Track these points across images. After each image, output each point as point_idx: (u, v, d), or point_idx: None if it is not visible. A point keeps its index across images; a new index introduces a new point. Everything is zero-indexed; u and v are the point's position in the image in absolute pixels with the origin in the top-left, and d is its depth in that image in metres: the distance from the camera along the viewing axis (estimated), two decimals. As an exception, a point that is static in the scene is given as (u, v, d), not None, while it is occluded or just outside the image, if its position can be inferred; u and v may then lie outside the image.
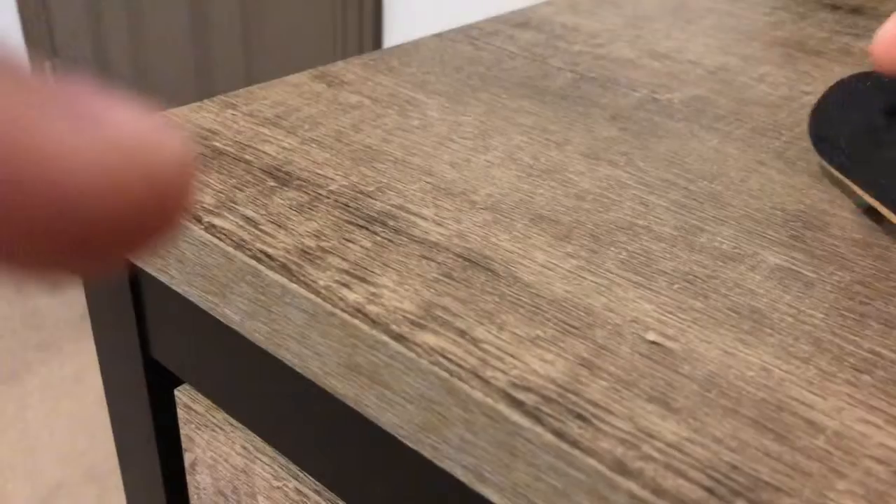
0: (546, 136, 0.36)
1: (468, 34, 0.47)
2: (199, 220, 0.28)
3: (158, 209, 0.10)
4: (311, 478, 0.32)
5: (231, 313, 0.28)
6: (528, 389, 0.22)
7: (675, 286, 0.26)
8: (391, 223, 0.29)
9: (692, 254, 0.28)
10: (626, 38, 0.48)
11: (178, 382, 0.36)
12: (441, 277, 0.26)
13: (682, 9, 0.54)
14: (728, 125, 0.38)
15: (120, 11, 1.40)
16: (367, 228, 0.29)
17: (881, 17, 0.54)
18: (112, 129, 0.09)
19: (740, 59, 0.46)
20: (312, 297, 0.25)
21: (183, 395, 0.35)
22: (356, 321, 0.24)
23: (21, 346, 1.55)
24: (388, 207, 0.30)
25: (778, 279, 0.27)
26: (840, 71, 0.45)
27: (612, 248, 0.28)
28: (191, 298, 0.30)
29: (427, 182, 0.32)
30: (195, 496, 0.37)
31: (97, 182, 0.09)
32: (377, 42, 1.09)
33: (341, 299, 0.25)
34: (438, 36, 0.47)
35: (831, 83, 0.43)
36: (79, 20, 1.48)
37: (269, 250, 0.27)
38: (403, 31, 1.07)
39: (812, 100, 0.41)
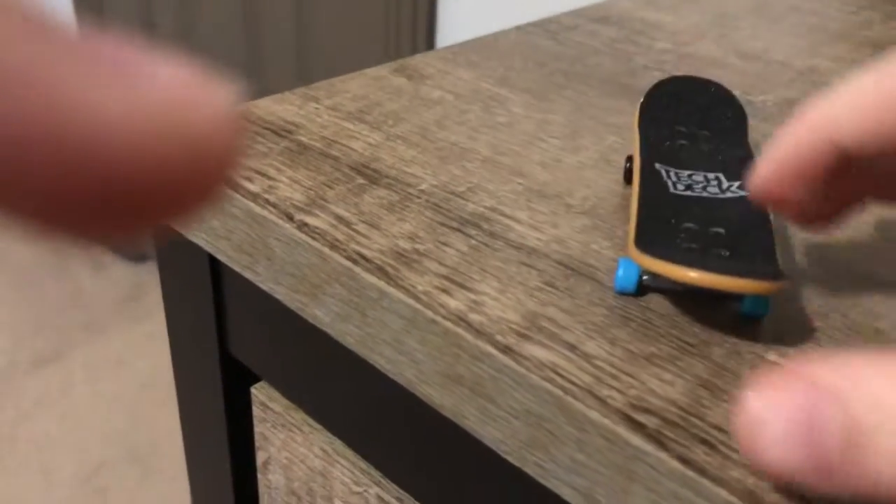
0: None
1: (547, 28, 0.46)
2: (290, 218, 0.27)
3: (198, 176, 0.09)
4: (393, 485, 0.31)
5: (321, 314, 0.27)
6: (647, 411, 0.21)
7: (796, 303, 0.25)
8: (485, 226, 0.28)
9: (808, 263, 0.27)
10: (711, 36, 0.46)
11: (253, 379, 0.35)
12: (543, 286, 0.25)
13: (765, 7, 0.52)
14: (826, 130, 0.36)
15: (170, 3, 1.41)
16: (461, 231, 0.28)
17: (975, 19, 0.52)
18: (153, 90, 0.09)
19: (830, 61, 0.44)
20: (412, 302, 0.24)
21: (259, 393, 0.34)
22: (459, 330, 0.23)
23: (66, 325, 1.57)
24: (481, 209, 0.29)
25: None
26: (938, 75, 0.43)
27: (720, 260, 0.27)
28: (277, 297, 0.29)
29: (519, 183, 0.31)
30: (266, 495, 0.37)
31: (134, 144, 0.09)
32: (430, 42, 1.08)
33: (442, 306, 0.24)
34: (517, 29, 0.45)
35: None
36: (129, 17, 1.49)
37: (365, 251, 0.26)
38: (456, 30, 1.06)
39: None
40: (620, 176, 0.31)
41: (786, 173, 0.22)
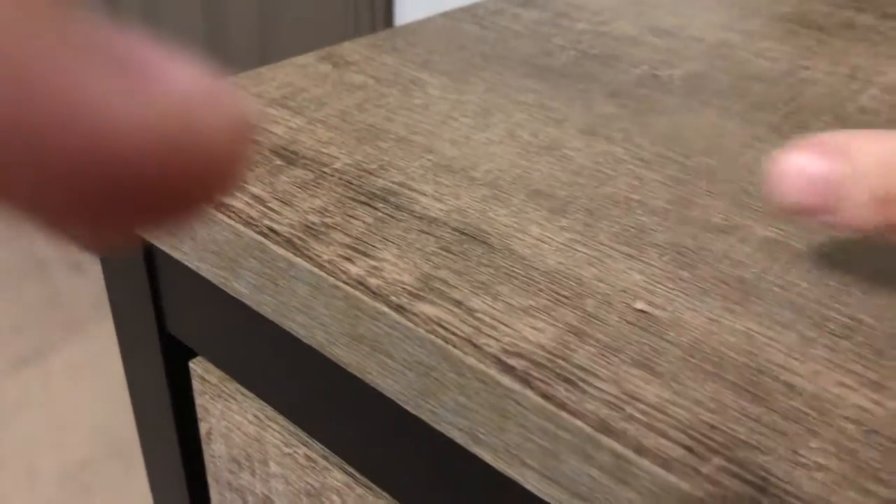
0: (546, 113, 0.37)
1: (474, 13, 0.48)
2: (208, 199, 0.30)
3: (203, 180, 0.09)
4: (319, 444, 0.33)
5: (240, 287, 0.30)
6: (518, 355, 0.23)
7: (665, 258, 0.27)
8: (392, 199, 0.30)
9: (683, 226, 0.29)
10: (630, 15, 0.49)
11: (192, 355, 0.37)
12: (439, 251, 0.27)
13: (686, -15, 0.54)
14: (727, 100, 0.39)
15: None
16: (369, 205, 0.30)
17: (887, -10, 0.54)
18: (165, 89, 0.09)
19: (742, 35, 0.46)
20: (316, 270, 0.26)
21: (197, 367, 0.36)
22: (358, 293, 0.26)
23: (45, 325, 1.58)
24: (390, 185, 0.31)
25: (767, 251, 0.28)
26: (841, 45, 0.45)
27: (606, 222, 0.29)
28: (202, 273, 0.31)
29: (428, 160, 0.33)
30: (211, 464, 0.39)
31: (143, 142, 0.09)
32: (388, 22, 1.10)
33: (344, 272, 0.26)
34: (444, 15, 0.47)
35: (832, 57, 0.43)
36: None
37: (276, 226, 0.28)
38: (415, 11, 1.08)
39: (811, 75, 0.42)
40: (522, 150, 0.34)
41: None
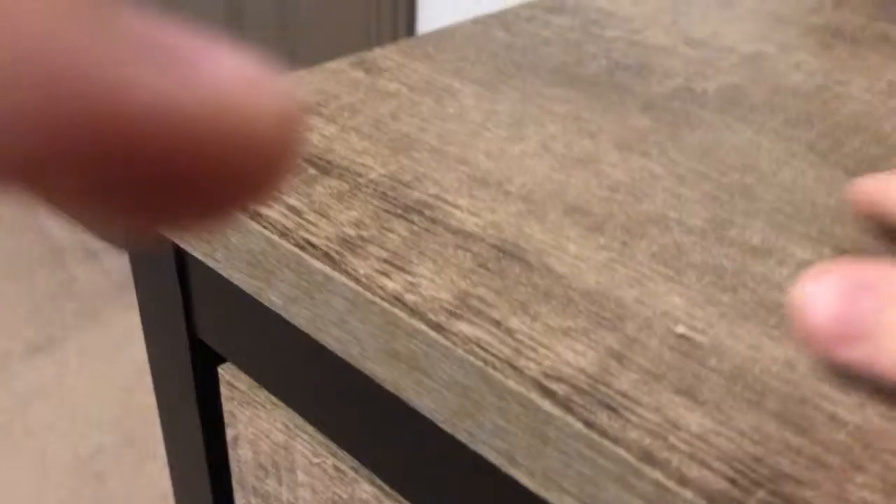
0: (579, 125, 0.36)
1: (503, 20, 0.48)
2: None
3: (254, 169, 0.09)
4: (348, 455, 0.33)
5: (275, 298, 0.29)
6: (559, 380, 0.23)
7: (705, 279, 0.27)
8: (428, 213, 0.30)
9: (722, 247, 0.29)
10: (662, 23, 0.48)
11: (221, 360, 0.37)
12: (476, 268, 0.27)
13: (718, -7, 0.54)
14: (762, 116, 0.38)
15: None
16: (404, 218, 0.30)
17: (921, 2, 0.54)
18: (209, 79, 0.09)
19: (776, 47, 0.46)
20: (353, 285, 0.26)
21: (226, 373, 0.36)
22: (395, 310, 0.25)
23: (59, 314, 1.59)
24: (425, 197, 0.31)
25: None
26: (877, 60, 0.45)
27: (644, 241, 0.29)
28: (235, 282, 0.31)
29: (463, 172, 0.33)
30: (236, 469, 0.39)
31: (188, 132, 0.08)
32: (410, 28, 1.10)
33: (381, 288, 0.26)
34: (474, 21, 0.47)
35: (867, 72, 0.43)
36: None
37: (312, 238, 0.28)
38: (437, 17, 1.08)
39: (847, 90, 0.41)
40: (557, 163, 0.33)
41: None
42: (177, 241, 0.33)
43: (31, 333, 1.54)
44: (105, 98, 0.08)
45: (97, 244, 1.77)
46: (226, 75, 0.09)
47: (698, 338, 0.25)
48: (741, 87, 0.41)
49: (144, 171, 0.08)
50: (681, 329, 0.25)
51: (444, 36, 0.45)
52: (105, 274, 1.69)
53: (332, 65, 0.41)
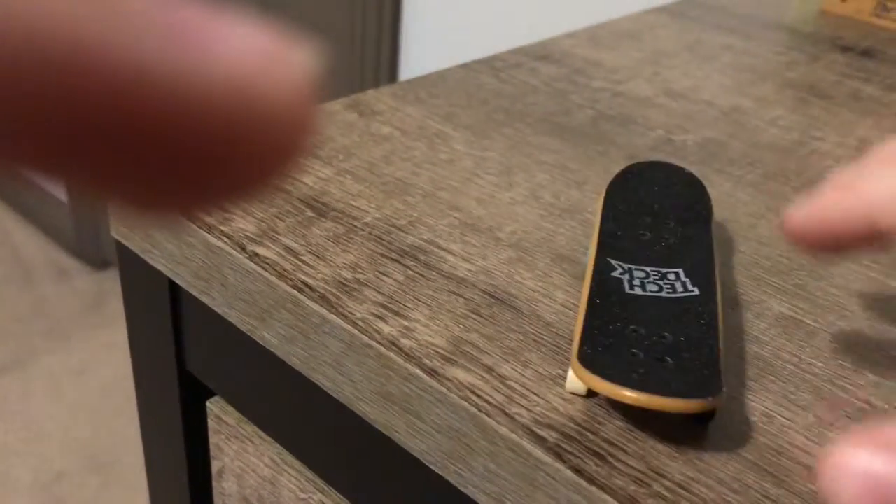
0: (566, 174, 0.38)
1: (492, 66, 0.49)
2: (242, 249, 0.30)
3: (268, 147, 0.09)
4: (336, 492, 0.34)
5: (270, 337, 0.30)
6: (549, 427, 0.24)
7: (687, 331, 0.28)
8: (422, 257, 0.31)
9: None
10: (645, 75, 0.50)
11: (209, 394, 0.38)
12: (469, 313, 0.28)
13: (698, 45, 0.56)
14: (740, 169, 0.40)
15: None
16: (399, 262, 0.31)
17: (889, 62, 0.56)
18: (221, 53, 0.08)
19: (754, 101, 0.48)
20: (349, 328, 0.27)
21: (214, 407, 0.37)
22: (391, 354, 0.26)
23: (27, 333, 1.57)
24: (419, 242, 0.32)
25: (782, 327, 0.29)
26: (849, 116, 0.47)
27: (629, 291, 0.30)
28: (230, 320, 0.32)
29: (455, 217, 0.34)
30: (220, 501, 0.39)
31: (201, 108, 0.08)
32: (393, 74, 1.11)
33: (377, 332, 0.27)
34: (464, 67, 0.49)
35: (840, 129, 0.45)
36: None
37: (310, 281, 0.29)
38: (419, 63, 1.10)
39: (821, 146, 0.43)
40: (546, 212, 0.35)
41: (818, 230, 0.25)
42: (171, 276, 0.33)
43: (-2, 353, 1.52)
44: (114, 75, 0.08)
45: (68, 263, 1.75)
46: (237, 48, 0.08)
47: (681, 388, 0.26)
48: (720, 140, 0.43)
49: (157, 149, 0.08)
50: (664, 379, 0.26)
51: (434, 81, 0.46)
52: (75, 294, 1.68)
53: (327, 106, 0.42)
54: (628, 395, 0.22)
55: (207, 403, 0.37)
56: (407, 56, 1.10)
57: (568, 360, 0.26)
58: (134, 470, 1.33)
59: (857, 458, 0.17)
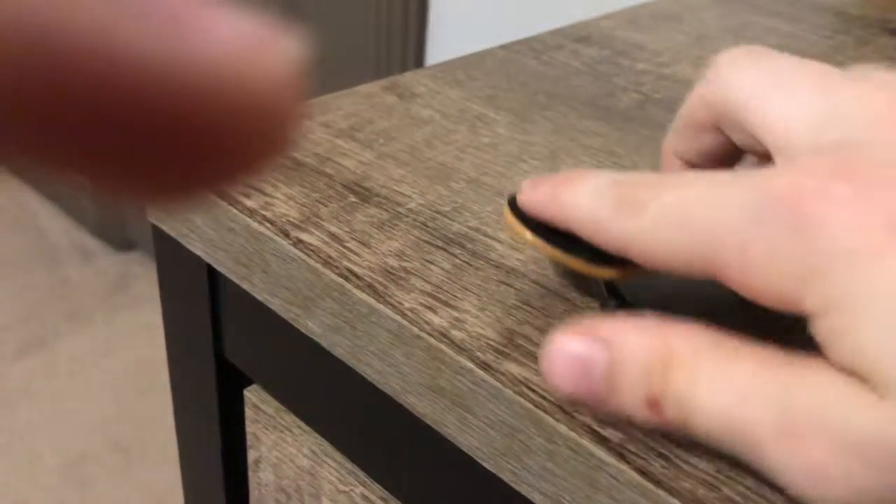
0: (613, 159, 0.37)
1: (532, 47, 0.48)
2: (286, 235, 0.29)
3: (252, 135, 0.09)
4: (377, 485, 0.33)
5: (313, 326, 0.29)
6: (611, 425, 0.23)
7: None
8: (469, 245, 0.30)
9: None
10: (690, 58, 0.49)
11: (246, 382, 0.37)
12: (520, 304, 0.27)
13: (743, 29, 0.54)
14: (792, 156, 0.38)
15: None
16: (445, 250, 0.30)
17: (942, 46, 0.54)
18: (205, 40, 0.08)
19: (802, 85, 0.46)
20: (398, 318, 0.26)
21: (252, 396, 0.36)
22: (442, 346, 0.25)
23: (51, 314, 1.57)
24: (465, 229, 0.31)
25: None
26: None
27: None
28: (271, 307, 0.31)
29: (501, 204, 0.33)
30: (256, 491, 0.38)
31: (181, 98, 0.08)
32: (419, 58, 1.10)
33: (427, 323, 0.26)
34: (503, 48, 0.47)
35: None
36: None
37: (356, 269, 0.28)
38: (444, 49, 1.08)
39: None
40: (596, 199, 0.33)
41: (685, 147, 0.28)
42: (211, 262, 0.32)
43: (22, 334, 1.53)
44: (96, 60, 0.08)
45: (92, 245, 1.76)
46: (222, 35, 0.08)
47: (745, 385, 0.25)
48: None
49: (138, 137, 0.08)
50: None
51: (473, 62, 0.45)
52: (99, 275, 1.68)
53: (364, 88, 0.41)
54: (529, 238, 0.24)
55: (245, 392, 0.36)
56: (434, 36, 1.09)
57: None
58: (156, 450, 1.33)
59: (564, 343, 0.21)
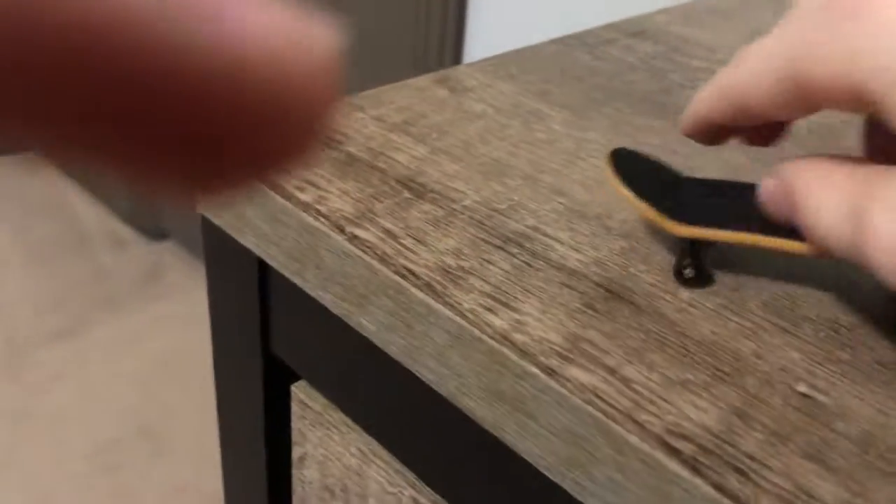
0: (674, 158, 0.35)
1: (585, 41, 0.47)
2: (341, 230, 0.29)
3: (287, 127, 0.09)
4: (428, 488, 0.32)
5: (367, 323, 0.29)
6: (684, 437, 0.22)
7: (821, 335, 0.26)
8: (527, 245, 0.29)
9: (834, 299, 0.28)
10: (746, 55, 0.47)
11: (293, 377, 0.37)
12: (584, 308, 0.26)
13: (799, 25, 0.53)
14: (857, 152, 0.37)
15: None
16: (503, 249, 0.29)
17: None
18: (242, 26, 0.08)
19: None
20: (458, 319, 0.25)
21: (299, 392, 0.36)
22: (504, 349, 0.25)
23: (83, 301, 1.59)
24: (523, 228, 0.30)
25: None
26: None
27: (753, 289, 0.28)
28: (324, 303, 0.30)
29: (560, 203, 0.32)
30: (299, 488, 0.38)
31: (213, 86, 0.08)
32: (457, 54, 1.09)
33: (487, 325, 0.25)
34: (556, 42, 0.46)
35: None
36: None
37: (413, 267, 0.27)
38: (483, 44, 1.07)
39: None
40: (657, 199, 0.32)
41: (700, 123, 0.28)
42: (263, 256, 0.32)
43: (55, 320, 1.54)
44: (126, 51, 0.08)
45: (125, 233, 1.77)
46: (260, 24, 0.08)
47: (821, 398, 0.24)
48: (834, 126, 0.40)
49: (177, 124, 0.08)
50: (802, 387, 0.24)
51: (526, 56, 0.44)
52: (132, 263, 1.69)
53: (416, 82, 0.40)
54: (624, 192, 0.28)
55: (292, 387, 0.36)
56: (473, 29, 1.08)
57: (698, 364, 0.24)
58: (185, 438, 1.34)
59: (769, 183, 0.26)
